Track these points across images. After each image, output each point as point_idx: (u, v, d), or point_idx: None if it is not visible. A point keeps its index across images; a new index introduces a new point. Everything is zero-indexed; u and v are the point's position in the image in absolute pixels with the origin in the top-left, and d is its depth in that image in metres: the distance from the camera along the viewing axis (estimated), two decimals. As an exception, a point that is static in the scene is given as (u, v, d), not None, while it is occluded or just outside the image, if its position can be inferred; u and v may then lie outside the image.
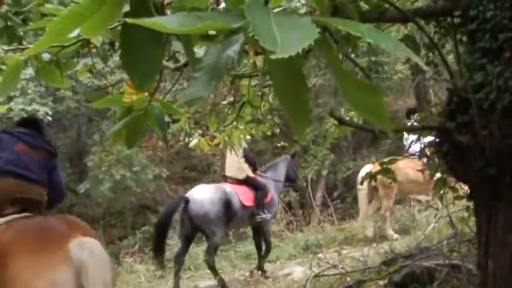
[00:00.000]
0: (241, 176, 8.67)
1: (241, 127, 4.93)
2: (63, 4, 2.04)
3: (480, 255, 2.96)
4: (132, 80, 0.97)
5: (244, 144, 5.32)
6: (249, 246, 10.63)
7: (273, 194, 8.86)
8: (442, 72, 3.55)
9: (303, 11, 1.49)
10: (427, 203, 6.35)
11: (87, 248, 2.84)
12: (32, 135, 3.56)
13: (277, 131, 5.88)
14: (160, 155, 16.10)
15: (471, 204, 3.43)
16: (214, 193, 8.27)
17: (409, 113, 8.77)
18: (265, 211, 8.62)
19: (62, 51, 1.95)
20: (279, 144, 14.99)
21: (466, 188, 3.27)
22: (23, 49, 2.13)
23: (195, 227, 8.16)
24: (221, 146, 5.22)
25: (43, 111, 11.55)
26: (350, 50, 3.28)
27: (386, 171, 3.43)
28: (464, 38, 3.11)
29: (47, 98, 11.96)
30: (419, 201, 9.57)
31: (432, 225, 7.08)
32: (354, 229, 10.48)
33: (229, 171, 8.91)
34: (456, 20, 3.14)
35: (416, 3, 4.55)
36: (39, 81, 10.29)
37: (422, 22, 3.41)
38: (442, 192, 3.82)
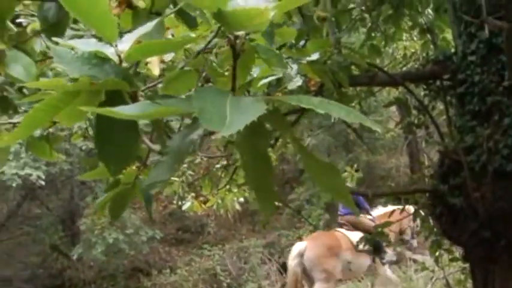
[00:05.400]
0: None
1: (235, 190, 4.93)
2: (59, 76, 2.07)
3: (478, 320, 2.91)
4: (106, 167, 0.98)
5: (237, 206, 5.31)
6: None
7: None
8: (433, 134, 3.58)
9: (298, 82, 1.51)
10: (423, 264, 6.32)
11: None
12: None
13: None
14: (153, 216, 15.97)
15: (467, 266, 3.41)
16: None
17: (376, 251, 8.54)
18: None
19: (52, 126, 1.97)
20: (273, 205, 14.89)
21: (461, 249, 3.25)
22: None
23: None
24: (214, 207, 5.20)
25: (36, 175, 11.50)
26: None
27: (381, 234, 3.41)
28: (454, 101, 3.16)
29: (40, 161, 11.93)
30: (415, 261, 9.46)
31: (429, 287, 6.98)
32: (350, 290, 10.32)
33: None
34: (445, 83, 3.20)
35: (405, 67, 4.64)
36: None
37: (412, 85, 3.48)
38: (437, 254, 3.79)
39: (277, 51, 1.19)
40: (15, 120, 2.28)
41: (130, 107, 0.83)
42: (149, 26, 1.00)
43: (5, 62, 1.20)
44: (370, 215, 8.35)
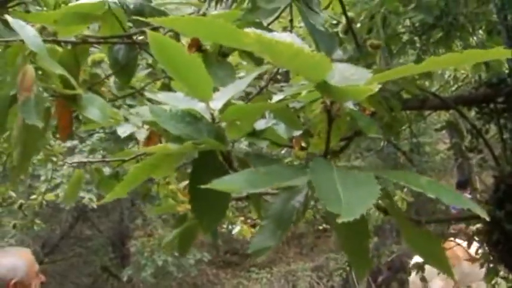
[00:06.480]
0: None
1: (284, 214, 4.92)
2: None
3: None
4: (200, 223, 1.01)
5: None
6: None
7: None
8: (487, 158, 3.51)
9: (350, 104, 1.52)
10: (478, 292, 6.16)
11: None
12: None
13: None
14: (201, 239, 16.03)
15: (526, 294, 3.30)
16: None
17: (460, 186, 8.90)
18: None
19: (121, 165, 2.06)
20: (320, 227, 14.79)
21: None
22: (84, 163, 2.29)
23: None
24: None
25: (88, 197, 11.72)
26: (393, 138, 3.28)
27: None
28: (509, 124, 3.09)
29: (91, 184, 12.15)
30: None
31: (485, 315, 6.75)
32: (401, 316, 10.10)
33: None
34: (499, 106, 3.13)
35: (456, 90, 4.57)
36: (85, 169, 10.52)
37: (464, 108, 3.42)
38: (493, 282, 3.68)
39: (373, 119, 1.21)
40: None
41: (235, 178, 0.85)
42: (242, 84, 1.03)
43: (82, 105, 1.26)
44: None
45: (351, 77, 0.94)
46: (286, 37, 0.95)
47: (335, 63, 0.92)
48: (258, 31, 0.83)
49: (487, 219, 0.83)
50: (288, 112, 1.27)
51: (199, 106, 1.03)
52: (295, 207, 0.95)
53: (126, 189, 1.01)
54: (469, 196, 8.41)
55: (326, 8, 2.83)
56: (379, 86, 0.87)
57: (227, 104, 1.00)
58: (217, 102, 1.02)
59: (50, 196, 5.32)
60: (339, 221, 0.72)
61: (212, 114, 1.01)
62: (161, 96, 1.06)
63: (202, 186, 0.81)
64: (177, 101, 1.04)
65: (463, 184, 8.92)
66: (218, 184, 0.81)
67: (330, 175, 0.82)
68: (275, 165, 0.94)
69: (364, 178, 0.84)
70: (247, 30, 0.83)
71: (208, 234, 1.54)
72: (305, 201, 0.96)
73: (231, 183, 0.83)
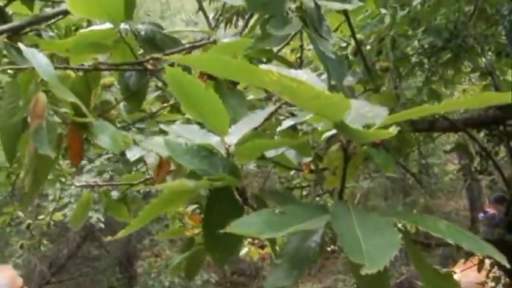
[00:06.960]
0: None
1: (292, 235, 4.88)
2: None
3: None
4: (211, 256, 1.01)
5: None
6: None
7: None
8: (496, 180, 3.49)
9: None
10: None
11: None
12: None
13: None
14: (208, 259, 15.93)
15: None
16: None
17: (497, 201, 8.63)
18: None
19: (129, 188, 2.06)
20: (328, 249, 14.68)
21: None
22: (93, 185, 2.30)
23: None
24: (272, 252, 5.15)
25: (96, 217, 11.70)
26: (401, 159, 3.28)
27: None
28: (519, 146, 3.08)
29: (99, 204, 12.13)
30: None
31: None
32: None
33: None
34: (509, 128, 3.13)
35: (466, 112, 4.56)
36: (93, 189, 10.50)
37: (473, 130, 3.41)
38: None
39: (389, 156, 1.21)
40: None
41: (253, 221, 0.83)
42: (257, 119, 1.03)
43: (93, 133, 1.26)
44: None
45: (366, 114, 0.94)
46: (302, 74, 0.95)
47: (351, 100, 0.92)
48: (279, 70, 0.83)
49: (507, 266, 0.82)
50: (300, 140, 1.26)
51: (214, 140, 1.03)
52: (311, 247, 0.94)
53: (141, 224, 1.00)
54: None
55: (335, 30, 2.84)
56: (398, 128, 0.87)
57: (242, 139, 1.00)
58: (232, 137, 1.02)
59: (57, 216, 5.32)
60: (363, 273, 0.71)
61: (227, 149, 1.02)
62: (176, 128, 1.07)
63: (221, 231, 0.80)
64: (192, 134, 1.05)
65: (500, 200, 8.61)
66: (235, 228, 0.80)
67: (349, 222, 0.81)
68: (292, 206, 0.92)
69: (384, 224, 0.83)
70: (268, 68, 0.83)
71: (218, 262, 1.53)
72: (321, 242, 0.95)
73: (248, 226, 0.82)
